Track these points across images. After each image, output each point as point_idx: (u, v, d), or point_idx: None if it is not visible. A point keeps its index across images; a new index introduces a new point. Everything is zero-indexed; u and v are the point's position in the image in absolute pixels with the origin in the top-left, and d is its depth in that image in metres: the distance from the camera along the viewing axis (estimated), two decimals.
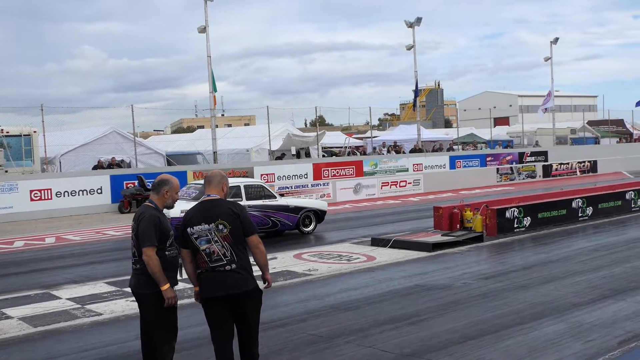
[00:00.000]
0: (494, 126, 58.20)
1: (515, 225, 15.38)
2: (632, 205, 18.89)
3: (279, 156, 32.52)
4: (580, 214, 17.14)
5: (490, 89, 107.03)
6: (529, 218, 15.67)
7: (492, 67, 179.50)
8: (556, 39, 43.85)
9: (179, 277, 5.70)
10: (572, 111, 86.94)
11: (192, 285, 5.67)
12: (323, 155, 34.18)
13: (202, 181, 16.50)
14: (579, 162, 35.98)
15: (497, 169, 32.61)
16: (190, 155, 30.83)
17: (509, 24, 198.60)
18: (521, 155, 36.50)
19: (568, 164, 35.55)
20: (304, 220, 16.61)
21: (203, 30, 28.35)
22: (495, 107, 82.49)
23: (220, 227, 5.42)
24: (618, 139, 51.49)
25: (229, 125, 66.36)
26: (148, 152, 29.72)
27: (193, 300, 5.84)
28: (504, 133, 49.91)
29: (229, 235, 5.41)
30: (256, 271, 5.57)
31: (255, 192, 15.94)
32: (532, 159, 36.59)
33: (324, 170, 28.69)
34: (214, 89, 28.71)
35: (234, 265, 5.41)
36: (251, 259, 5.55)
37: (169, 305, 5.47)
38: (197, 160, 29.84)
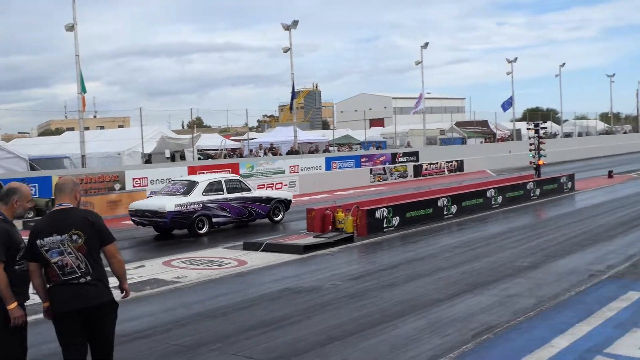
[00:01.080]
0: (370, 127, 59.90)
1: (385, 225, 15.88)
2: (493, 203, 20.08)
3: (148, 159, 31.64)
4: (445, 212, 17.99)
5: (366, 91, 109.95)
6: (397, 217, 16.24)
7: (368, 69, 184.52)
8: (426, 44, 45.75)
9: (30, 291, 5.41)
10: (443, 112, 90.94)
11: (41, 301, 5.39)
12: (199, 158, 33.69)
13: (193, 177, 19.42)
14: (447, 162, 37.71)
15: (371, 169, 33.56)
16: (57, 159, 29.31)
17: (384, 28, 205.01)
18: (394, 155, 37.76)
19: (437, 163, 37.19)
20: (274, 210, 18.58)
21: (71, 28, 27.09)
22: (370, 109, 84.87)
23: (75, 237, 5.17)
24: (483, 139, 54.58)
25: (102, 128, 63.83)
26: (8, 156, 27.96)
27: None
28: (378, 134, 51.45)
29: (84, 246, 5.18)
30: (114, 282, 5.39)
31: (234, 185, 17.95)
32: (404, 159, 37.94)
33: (198, 173, 28.26)
34: (83, 90, 27.52)
35: (88, 278, 5.18)
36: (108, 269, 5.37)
37: (15, 325, 5.17)
38: (63, 165, 28.44)
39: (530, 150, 25.41)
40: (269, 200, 18.54)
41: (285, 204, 19.06)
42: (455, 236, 15.49)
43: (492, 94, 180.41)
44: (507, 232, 15.47)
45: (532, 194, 22.35)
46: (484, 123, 58.97)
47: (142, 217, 17.07)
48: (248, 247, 14.07)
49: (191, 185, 17.38)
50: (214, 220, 17.20)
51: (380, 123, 75.16)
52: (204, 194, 17.16)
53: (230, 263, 12.64)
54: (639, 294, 8.78)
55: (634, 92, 77.85)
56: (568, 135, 63.76)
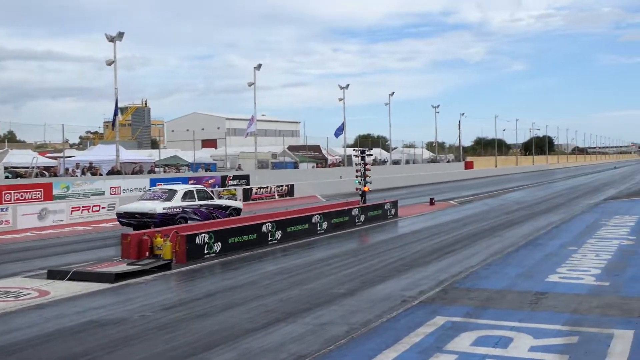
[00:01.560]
0: (202, 148, 59.27)
1: (206, 251, 15.68)
2: (318, 229, 20.61)
3: None
4: (270, 238, 18.15)
5: (200, 110, 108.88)
6: (219, 243, 16.11)
7: (202, 88, 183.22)
8: (259, 65, 46.26)
9: None
10: (277, 135, 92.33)
11: None
12: (6, 177, 31.30)
13: (170, 186, 24.01)
14: (277, 186, 38.25)
15: None
16: None
17: (221, 46, 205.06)
18: (224, 178, 37.62)
19: (267, 187, 37.60)
20: (229, 215, 22.10)
21: None
22: (203, 129, 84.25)
23: None
24: (315, 164, 56.10)
25: None
26: None
27: None
28: (209, 156, 51.04)
29: None
30: None
31: (203, 194, 22.27)
32: (235, 182, 37.94)
33: (5, 194, 26.24)
34: None
35: None
36: None
37: None
38: None
39: (357, 176, 26.48)
40: (227, 207, 22.90)
41: (237, 211, 23.13)
42: (278, 262, 15.66)
43: (327, 118, 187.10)
44: (329, 259, 15.89)
45: (357, 220, 23.24)
46: (317, 148, 60.65)
47: (131, 218, 20.92)
48: (52, 275, 13.21)
49: (172, 193, 21.60)
50: (189, 222, 20.49)
51: (213, 144, 74.71)
52: (182, 200, 21.31)
53: (29, 294, 11.78)
54: (445, 319, 9.35)
55: (457, 123, 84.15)
56: (396, 162, 67.29)
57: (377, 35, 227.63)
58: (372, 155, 29.71)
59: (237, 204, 24.49)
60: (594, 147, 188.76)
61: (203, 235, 15.70)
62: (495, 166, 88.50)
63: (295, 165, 52.57)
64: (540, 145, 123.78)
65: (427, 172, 61.81)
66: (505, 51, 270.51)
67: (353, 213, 23.24)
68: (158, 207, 20.71)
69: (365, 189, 26.30)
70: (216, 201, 22.75)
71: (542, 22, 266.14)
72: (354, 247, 18.90)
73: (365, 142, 65.46)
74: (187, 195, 21.54)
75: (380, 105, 73.97)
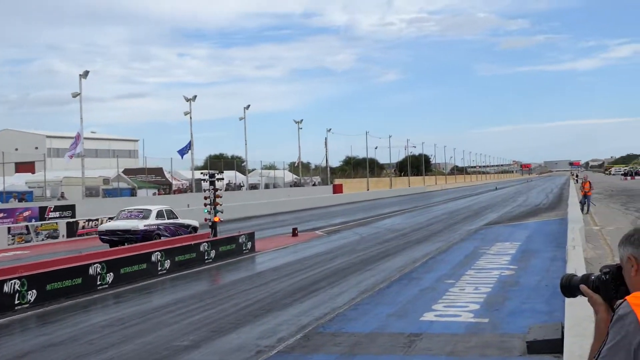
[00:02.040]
0: (15, 173, 56.57)
1: (17, 302, 14.93)
2: (159, 268, 20.22)
3: None
4: (99, 282, 17.59)
5: (12, 126, 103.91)
6: (35, 291, 15.40)
7: (15, 99, 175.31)
8: (86, 72, 44.94)
9: None
10: (110, 157, 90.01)
11: None
12: None
13: (143, 206, 30.69)
14: (110, 218, 37.15)
15: (9, 228, 31.56)
16: None
17: (39, 48, 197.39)
18: (43, 210, 36.09)
19: (98, 220, 36.40)
20: (189, 233, 28.26)
21: None
22: (17, 150, 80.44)
23: None
24: (157, 191, 55.21)
25: None
26: None
27: None
28: (23, 182, 48.84)
29: None
30: None
31: (170, 214, 28.72)
32: (57, 214, 36.48)
33: None
34: None
35: None
36: None
37: None
38: None
39: (205, 205, 26.28)
40: (188, 226, 29.24)
41: (195, 229, 29.35)
42: (108, 312, 15.20)
43: (171, 136, 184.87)
44: (172, 304, 15.61)
45: (206, 257, 23.05)
46: (159, 171, 59.66)
47: (113, 235, 27.24)
48: None
49: (147, 212, 28.05)
50: (161, 237, 26.66)
51: (30, 168, 71.45)
52: (155, 218, 27.67)
53: None
54: None
55: (323, 141, 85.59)
56: (254, 187, 67.67)
57: (231, 39, 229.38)
58: (223, 179, 29.64)
59: (194, 222, 29.97)
60: (474, 167, 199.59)
61: (14, 281, 14.92)
62: (367, 189, 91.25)
63: (132, 192, 51.43)
64: (416, 165, 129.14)
65: (290, 198, 62.54)
66: (376, 59, 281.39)
67: (201, 248, 23.03)
68: (139, 224, 27.07)
69: (216, 219, 26.14)
70: (179, 220, 29.09)
71: (415, 27, 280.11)
72: (202, 289, 18.70)
73: (217, 163, 65.24)
74: (159, 214, 28.06)
75: (234, 120, 74.09)
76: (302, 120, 77.55)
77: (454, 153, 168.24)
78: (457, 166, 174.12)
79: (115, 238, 26.85)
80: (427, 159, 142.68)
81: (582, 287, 2.78)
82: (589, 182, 40.32)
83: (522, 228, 32.20)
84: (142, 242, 24.77)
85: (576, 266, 12.69)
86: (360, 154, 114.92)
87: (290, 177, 79.09)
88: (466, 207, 54.45)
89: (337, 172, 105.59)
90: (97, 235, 28.53)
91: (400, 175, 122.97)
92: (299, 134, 77.07)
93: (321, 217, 46.66)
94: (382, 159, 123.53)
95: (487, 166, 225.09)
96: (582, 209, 37.10)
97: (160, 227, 27.49)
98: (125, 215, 28.00)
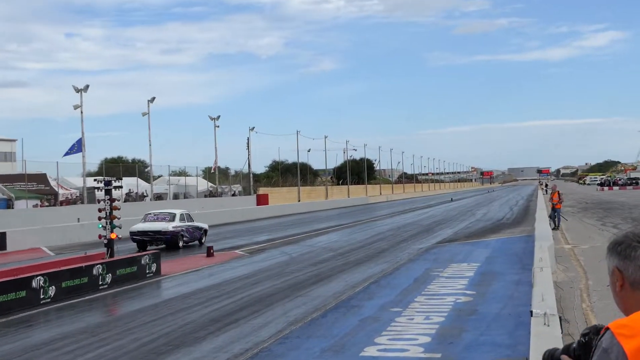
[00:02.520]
0: None
1: None
2: (42, 296, 19.93)
3: None
4: None
5: None
6: None
7: None
8: None
9: None
10: None
11: None
12: None
13: (167, 210, 39.86)
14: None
15: None
16: None
17: None
18: None
19: None
20: (202, 235, 38.33)
21: None
22: None
23: None
24: (39, 202, 54.22)
25: None
26: None
27: None
28: None
29: None
30: None
31: (188, 217, 37.55)
32: None
33: None
34: None
35: None
36: None
37: None
38: None
39: (100, 218, 25.95)
40: (201, 228, 38.23)
41: (206, 231, 38.75)
42: None
43: (58, 135, 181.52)
44: (57, 340, 15.45)
45: (101, 282, 22.79)
46: (42, 177, 58.53)
47: (144, 235, 35.70)
48: None
49: (172, 215, 36.76)
50: (184, 238, 36.28)
51: None
52: (179, 221, 36.27)
53: None
54: None
55: (245, 142, 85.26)
56: (160, 197, 67.13)
57: (130, 16, 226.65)
58: (122, 187, 29.31)
59: (205, 225, 39.12)
60: (426, 174, 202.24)
61: None
62: (299, 200, 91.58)
63: (8, 204, 50.41)
64: (357, 172, 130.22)
65: (204, 211, 62.10)
66: (308, 44, 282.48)
67: (95, 272, 22.75)
68: (168, 226, 35.65)
69: (113, 236, 25.85)
70: (195, 223, 37.73)
71: (356, 6, 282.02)
72: (95, 321, 18.48)
73: (115, 168, 64.50)
74: (182, 217, 36.69)
75: (136, 116, 73.20)
76: (219, 116, 77.45)
77: (402, 158, 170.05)
78: (405, 173, 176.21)
79: (147, 238, 35.64)
80: (370, 164, 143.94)
81: (563, 357, 2.79)
82: (558, 193, 41.28)
83: (482, 247, 32.79)
84: (169, 242, 35.49)
85: (544, 291, 13.00)
86: (290, 157, 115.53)
87: (204, 185, 78.73)
88: (416, 221, 55.11)
89: (262, 179, 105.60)
90: (130, 236, 35.26)
91: (338, 184, 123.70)
92: (215, 134, 76.92)
93: (242, 233, 46.61)
94: (317, 164, 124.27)
95: (442, 174, 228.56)
96: (551, 224, 37.97)
97: (183, 229, 36.27)
98: (152, 218, 36.76)
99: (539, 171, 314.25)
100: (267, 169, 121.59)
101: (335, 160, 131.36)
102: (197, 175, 77.80)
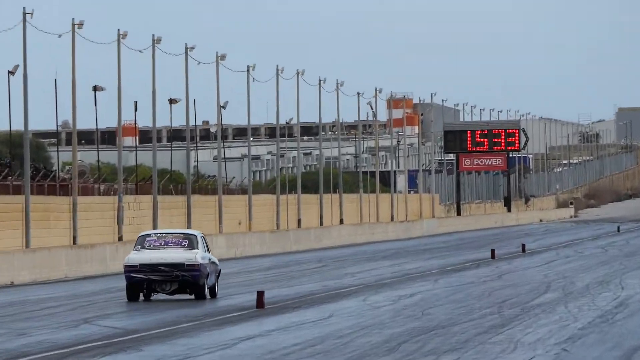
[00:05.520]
0: None
1: None
2: None
3: None
4: None
5: None
6: None
7: None
8: None
9: None
10: None
11: None
12: None
13: (177, 230, 30.62)
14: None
15: None
16: None
17: None
18: None
19: None
20: (217, 277, 27.24)
21: None
22: None
23: None
24: None
25: None
26: None
27: None
28: None
29: None
30: None
31: (205, 242, 25.85)
32: None
33: None
34: None
35: None
36: None
37: None
38: None
39: None
40: (215, 263, 25.89)
41: (220, 272, 26.78)
42: None
43: None
44: None
45: None
46: None
47: (153, 272, 23.43)
48: None
49: (192, 238, 24.95)
50: (208, 281, 24.67)
51: None
52: (203, 249, 25.01)
53: None
54: None
55: None
56: None
57: None
58: None
59: (214, 257, 26.36)
60: None
61: None
62: None
63: None
64: None
65: None
66: None
67: None
68: (194, 256, 23.89)
69: None
70: (209, 254, 25.79)
71: None
72: None
73: None
74: (204, 241, 25.10)
75: None
76: None
77: None
78: None
79: (157, 277, 23.72)
80: None
81: None
82: None
83: None
84: (194, 287, 23.96)
85: None
86: None
87: None
88: None
89: None
90: (125, 273, 24.08)
91: None
92: None
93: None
94: None
95: None
96: None
97: (208, 262, 24.99)
98: (158, 243, 24.56)
99: None
100: None
101: None
102: None
